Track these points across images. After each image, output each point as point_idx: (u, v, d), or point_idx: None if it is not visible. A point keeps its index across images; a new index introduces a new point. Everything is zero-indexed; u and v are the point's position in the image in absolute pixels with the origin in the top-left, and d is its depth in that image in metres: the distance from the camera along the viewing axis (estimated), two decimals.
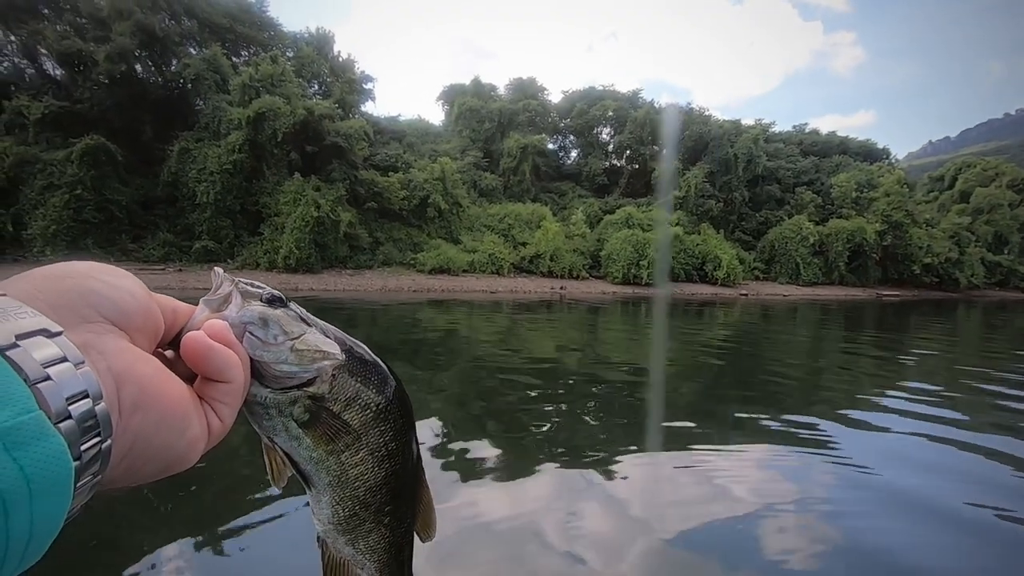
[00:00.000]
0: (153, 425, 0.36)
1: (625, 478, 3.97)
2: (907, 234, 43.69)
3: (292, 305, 0.49)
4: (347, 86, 36.27)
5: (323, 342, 0.49)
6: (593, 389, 6.99)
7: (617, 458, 4.35)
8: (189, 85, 29.95)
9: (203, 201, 27.48)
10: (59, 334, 0.31)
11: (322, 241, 28.23)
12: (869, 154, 55.95)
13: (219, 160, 27.48)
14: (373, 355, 0.53)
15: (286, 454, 0.51)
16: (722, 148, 43.64)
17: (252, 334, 0.45)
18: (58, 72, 29.66)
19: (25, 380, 0.28)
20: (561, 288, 32.04)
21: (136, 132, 29.36)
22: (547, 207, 39.25)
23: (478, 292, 28.64)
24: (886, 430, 5.36)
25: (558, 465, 4.15)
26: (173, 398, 0.38)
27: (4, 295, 0.31)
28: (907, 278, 45.98)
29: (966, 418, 5.84)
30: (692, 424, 5.53)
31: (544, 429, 5.12)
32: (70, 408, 0.30)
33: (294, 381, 0.47)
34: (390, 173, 34.54)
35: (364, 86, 38.66)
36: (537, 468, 4.03)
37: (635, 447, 4.79)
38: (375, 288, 27.12)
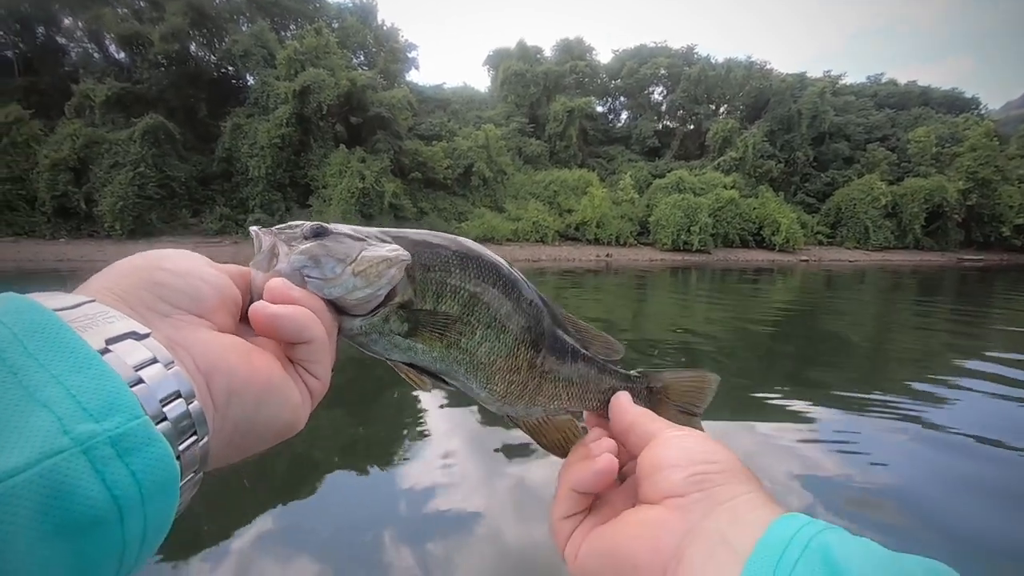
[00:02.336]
0: (252, 407, 0.37)
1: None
2: (996, 192, 39.59)
3: (335, 227, 0.47)
4: (391, 55, 36.17)
5: (382, 252, 0.46)
6: (648, 356, 6.85)
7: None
8: (238, 61, 30.68)
9: (255, 175, 28.44)
10: (147, 336, 0.32)
11: (367, 212, 28.67)
12: (955, 104, 50.75)
13: (268, 134, 28.21)
14: (439, 235, 0.51)
15: (410, 365, 0.50)
16: (784, 104, 40.76)
17: (311, 276, 0.44)
18: (120, 55, 31.15)
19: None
20: (607, 256, 31.32)
21: (192, 110, 30.56)
22: (594, 172, 38.11)
23: (521, 261, 28.43)
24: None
25: None
26: (263, 376, 0.38)
27: (92, 301, 0.32)
28: (994, 241, 41.94)
29: None
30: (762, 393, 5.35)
31: None
32: (164, 410, 0.30)
33: (375, 301, 0.46)
34: (434, 142, 34.48)
35: (408, 55, 38.40)
36: None
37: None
38: None
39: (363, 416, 4.77)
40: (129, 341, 0.31)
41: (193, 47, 31.66)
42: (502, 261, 0.53)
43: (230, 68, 32.63)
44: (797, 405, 5.00)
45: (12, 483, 0.23)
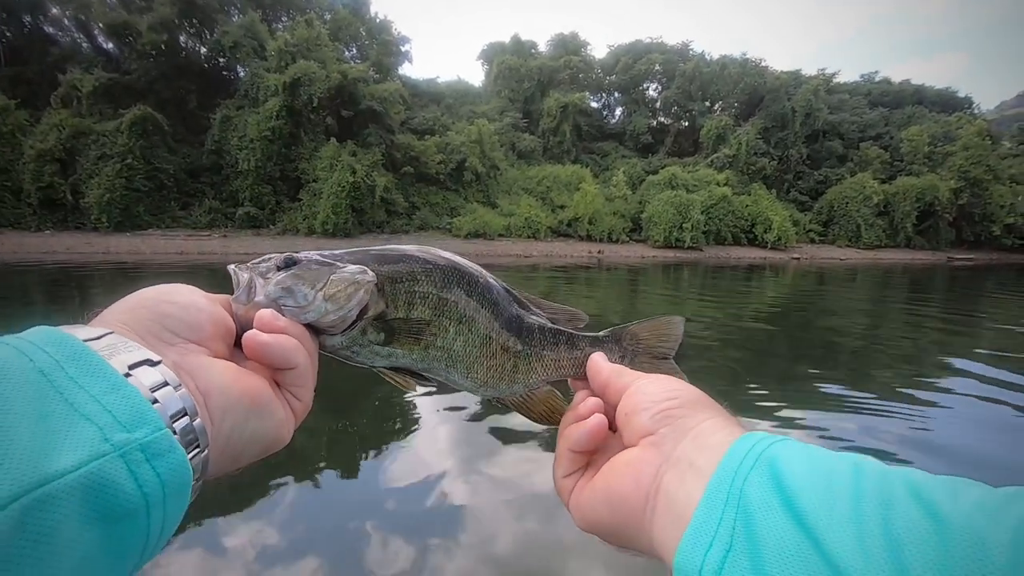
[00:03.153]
0: (242, 423, 0.42)
1: None
2: (987, 192, 39.70)
3: (304, 255, 0.51)
4: (383, 48, 35.82)
5: (348, 274, 0.50)
6: None
7: None
8: (228, 53, 30.34)
9: (244, 168, 28.16)
10: (159, 362, 0.38)
11: (358, 206, 28.51)
12: (948, 103, 50.86)
13: (258, 127, 27.95)
14: (403, 248, 0.56)
15: (394, 369, 0.56)
16: (778, 102, 40.71)
17: (286, 305, 0.48)
18: (109, 45, 30.76)
19: None
20: (599, 252, 31.27)
21: (182, 102, 30.21)
22: (587, 168, 38.03)
23: (512, 257, 28.34)
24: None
25: None
26: (252, 398, 0.43)
27: (112, 332, 0.37)
28: (984, 240, 42.12)
29: None
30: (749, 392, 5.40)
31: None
32: (174, 425, 0.36)
33: (348, 321, 0.50)
34: (427, 137, 34.28)
35: (401, 48, 38.07)
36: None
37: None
38: None
39: (350, 409, 4.81)
40: (145, 367, 0.36)
41: (183, 38, 31.32)
42: (462, 261, 0.58)
43: (220, 60, 32.27)
44: (783, 403, 5.07)
45: (67, 479, 0.28)
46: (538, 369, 0.61)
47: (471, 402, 4.59)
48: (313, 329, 0.49)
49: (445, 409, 4.57)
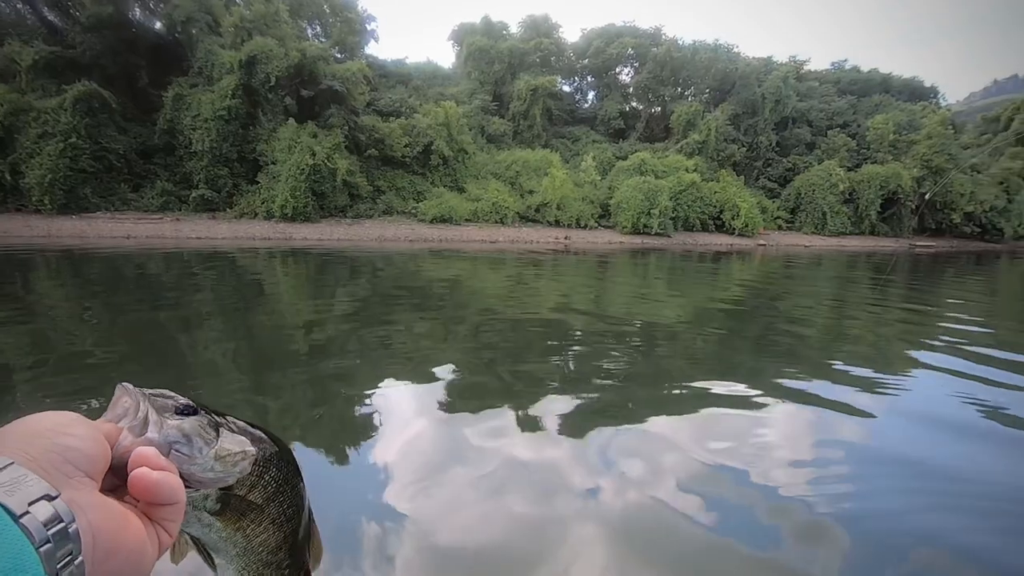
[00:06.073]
0: (120, 563, 0.42)
1: (643, 432, 4.02)
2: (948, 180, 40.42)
3: (202, 408, 0.53)
4: (347, 26, 34.68)
5: (239, 443, 0.54)
6: (602, 345, 6.91)
7: (634, 417, 4.38)
8: (181, 28, 28.99)
9: (199, 149, 27.07)
10: (57, 497, 0.38)
11: (319, 190, 27.71)
12: (915, 92, 51.45)
13: (213, 106, 26.86)
14: (266, 435, 0.59)
15: (193, 538, 0.56)
16: (749, 88, 40.61)
17: (179, 451, 0.49)
18: (53, 17, 29.09)
19: (33, 544, 0.34)
20: (566, 238, 31.00)
21: (132, 79, 28.84)
22: (557, 153, 37.57)
23: (477, 242, 27.92)
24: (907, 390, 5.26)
25: (568, 422, 4.17)
26: (135, 539, 0.43)
27: (13, 463, 0.37)
28: (946, 228, 43.02)
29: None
30: (705, 381, 5.36)
31: (552, 385, 5.11)
32: (59, 567, 0.36)
33: (222, 484, 0.52)
34: (392, 119, 33.42)
35: (367, 26, 36.89)
36: (547, 424, 4.11)
37: (650, 401, 4.79)
38: (371, 238, 26.68)
39: (322, 393, 4.79)
40: (43, 502, 0.36)
41: (133, 11, 29.83)
42: (296, 463, 0.61)
43: (178, 35, 30.83)
44: (743, 389, 5.08)
45: None
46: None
47: (444, 399, 4.61)
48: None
49: (424, 400, 4.56)
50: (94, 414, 0.40)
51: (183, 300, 9.46)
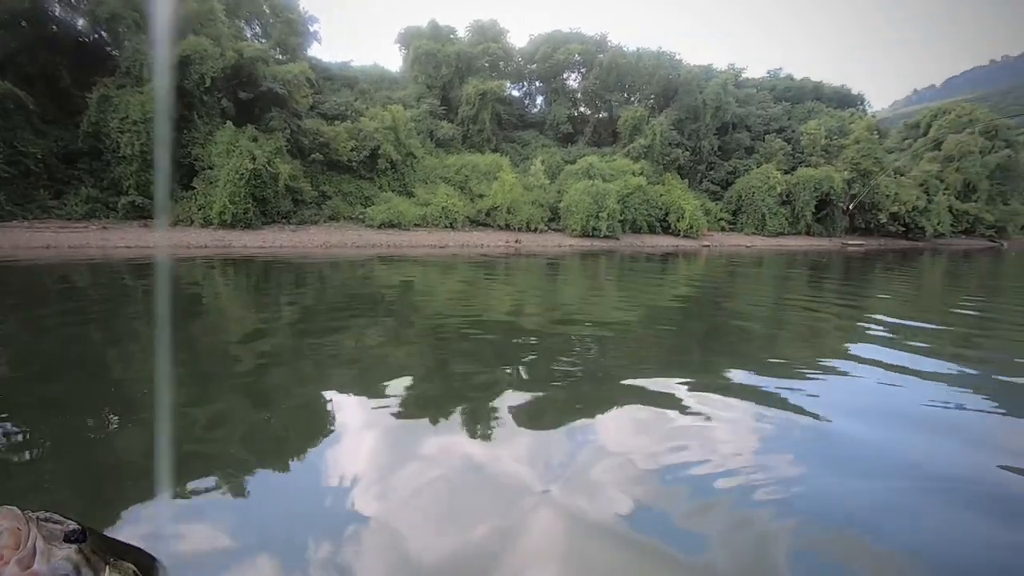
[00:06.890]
0: None
1: (594, 433, 4.04)
2: (875, 182, 42.97)
3: (91, 535, 0.53)
4: (288, 27, 33.74)
5: (125, 572, 0.54)
6: (554, 346, 6.92)
7: (587, 413, 4.42)
8: (105, 25, 27.41)
9: (128, 153, 25.57)
10: None
11: (261, 195, 26.71)
12: (844, 100, 54.43)
13: (142, 108, 25.47)
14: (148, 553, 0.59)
15: None
16: (691, 94, 41.95)
17: None
18: None
19: None
20: (516, 242, 31.05)
21: (52, 78, 27.02)
22: (506, 157, 37.66)
23: (427, 247, 27.58)
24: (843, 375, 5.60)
25: (520, 425, 4.17)
26: None
27: None
28: (874, 227, 45.64)
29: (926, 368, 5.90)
30: (655, 379, 5.39)
31: (504, 388, 5.03)
32: None
33: None
34: (337, 122, 32.67)
35: (309, 27, 36.01)
36: (498, 429, 4.09)
37: (603, 400, 4.79)
38: (317, 244, 25.93)
39: (267, 405, 4.62)
40: None
41: (57, 7, 27.97)
42: None
43: (103, 33, 29.12)
44: (691, 385, 5.16)
45: None
46: None
47: (395, 406, 4.52)
48: None
49: (374, 408, 4.43)
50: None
51: (114, 312, 8.84)
